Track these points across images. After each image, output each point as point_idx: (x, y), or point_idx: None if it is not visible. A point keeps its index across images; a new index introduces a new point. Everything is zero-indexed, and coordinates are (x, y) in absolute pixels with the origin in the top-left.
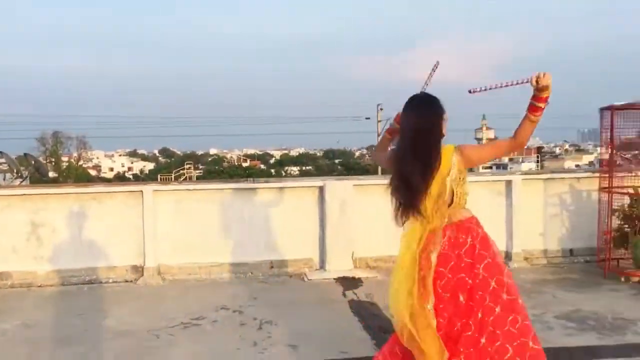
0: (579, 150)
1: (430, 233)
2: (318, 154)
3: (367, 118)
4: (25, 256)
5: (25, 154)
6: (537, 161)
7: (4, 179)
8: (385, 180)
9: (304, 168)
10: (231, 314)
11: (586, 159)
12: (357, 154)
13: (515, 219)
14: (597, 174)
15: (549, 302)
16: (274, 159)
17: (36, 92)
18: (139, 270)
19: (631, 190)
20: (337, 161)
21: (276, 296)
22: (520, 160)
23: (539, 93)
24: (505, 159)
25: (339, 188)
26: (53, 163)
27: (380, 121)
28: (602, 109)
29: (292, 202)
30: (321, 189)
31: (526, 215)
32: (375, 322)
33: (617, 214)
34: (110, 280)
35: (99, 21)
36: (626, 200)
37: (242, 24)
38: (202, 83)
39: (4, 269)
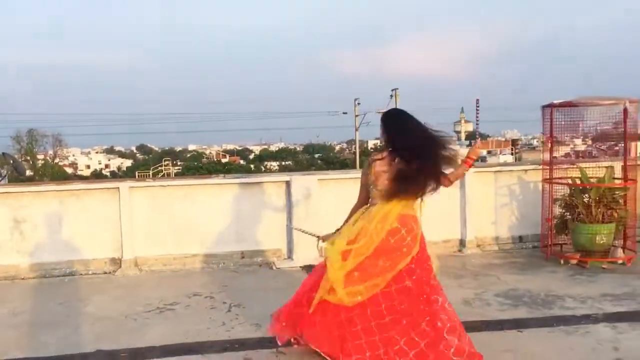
0: (557, 142)
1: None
2: (298, 149)
3: (344, 113)
4: (8, 250)
5: (3, 153)
6: (513, 153)
7: None
8: (346, 176)
9: (283, 163)
10: (203, 299)
11: (563, 150)
12: (337, 148)
13: (468, 208)
14: (541, 167)
15: (492, 283)
16: (253, 154)
17: (8, 90)
18: (117, 262)
19: (569, 181)
20: (317, 155)
21: (245, 283)
22: (498, 152)
23: (473, 155)
24: (484, 152)
25: (304, 183)
26: (29, 161)
27: (357, 115)
28: (543, 107)
29: (262, 196)
30: (288, 184)
31: (478, 205)
32: None
33: (559, 202)
34: (90, 272)
35: (70, 16)
36: (568, 190)
37: (215, 15)
38: (177, 78)
39: None
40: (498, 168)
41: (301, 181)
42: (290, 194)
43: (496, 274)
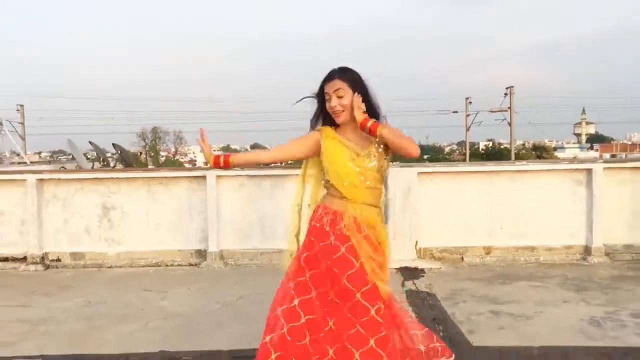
0: None
1: None
2: None
3: (454, 112)
4: None
5: (113, 144)
6: None
7: (93, 166)
8: (452, 169)
9: (391, 163)
10: None
11: None
12: (447, 149)
13: (596, 210)
14: None
15: (626, 300)
16: None
17: (135, 88)
18: None
19: None
20: (425, 157)
21: None
22: (624, 156)
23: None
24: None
25: (402, 175)
26: (153, 157)
27: (468, 115)
28: None
29: None
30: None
31: (610, 207)
32: (429, 313)
33: None
34: None
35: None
36: None
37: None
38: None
39: None
40: (636, 164)
41: (399, 174)
42: (387, 187)
43: (630, 289)
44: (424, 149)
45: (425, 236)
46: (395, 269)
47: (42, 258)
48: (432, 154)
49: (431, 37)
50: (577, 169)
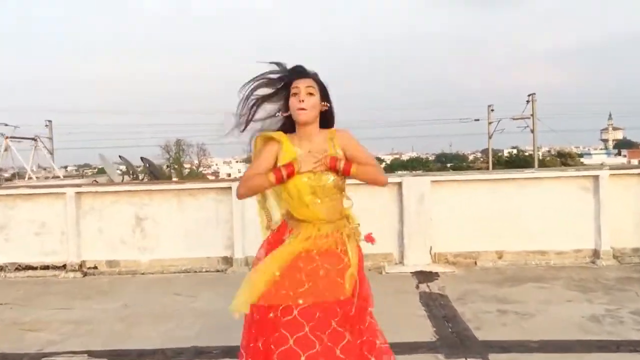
0: None
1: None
2: (430, 158)
3: (476, 119)
4: None
5: (141, 158)
6: None
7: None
8: (464, 177)
9: (413, 172)
10: None
11: None
12: (470, 157)
13: (603, 215)
14: None
15: (628, 299)
16: (384, 163)
17: (160, 101)
18: None
19: None
20: (448, 165)
21: None
22: None
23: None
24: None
25: (416, 184)
26: (177, 169)
27: (491, 123)
28: None
29: (371, 198)
30: (399, 185)
31: (617, 212)
32: (440, 312)
33: None
34: None
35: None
36: None
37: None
38: None
39: None
40: None
41: (413, 182)
42: (402, 195)
43: (635, 290)
44: (447, 157)
45: (439, 242)
46: (411, 273)
47: (80, 266)
48: (456, 162)
49: (449, 42)
50: (583, 176)
